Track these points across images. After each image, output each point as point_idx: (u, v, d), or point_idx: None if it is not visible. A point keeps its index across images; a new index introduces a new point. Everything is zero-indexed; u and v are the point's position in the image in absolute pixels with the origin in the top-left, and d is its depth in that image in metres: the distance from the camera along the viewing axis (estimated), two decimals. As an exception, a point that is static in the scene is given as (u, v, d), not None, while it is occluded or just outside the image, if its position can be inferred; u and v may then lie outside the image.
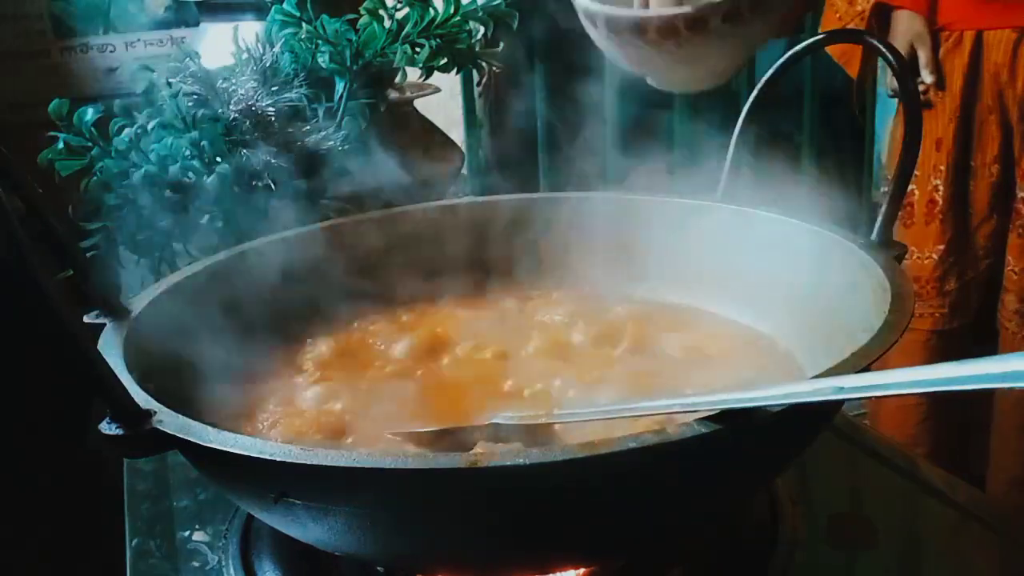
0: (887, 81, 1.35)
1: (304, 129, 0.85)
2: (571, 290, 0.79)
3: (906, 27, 1.22)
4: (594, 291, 0.78)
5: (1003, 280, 1.22)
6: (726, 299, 0.72)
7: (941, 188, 1.23)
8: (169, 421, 0.42)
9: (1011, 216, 1.20)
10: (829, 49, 1.34)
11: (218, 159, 0.84)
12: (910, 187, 1.28)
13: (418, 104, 1.21)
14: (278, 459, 0.39)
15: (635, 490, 0.41)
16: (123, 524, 0.66)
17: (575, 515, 0.42)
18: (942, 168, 1.23)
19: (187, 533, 0.64)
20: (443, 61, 0.91)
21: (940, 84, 1.20)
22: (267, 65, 0.84)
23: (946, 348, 1.26)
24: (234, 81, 0.83)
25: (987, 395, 1.26)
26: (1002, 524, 0.61)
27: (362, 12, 0.89)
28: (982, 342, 1.27)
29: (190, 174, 0.84)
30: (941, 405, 1.28)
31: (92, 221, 0.84)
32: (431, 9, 0.90)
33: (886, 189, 1.32)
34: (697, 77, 0.73)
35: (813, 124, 1.89)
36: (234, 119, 0.83)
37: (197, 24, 1.36)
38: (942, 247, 1.24)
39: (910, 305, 0.51)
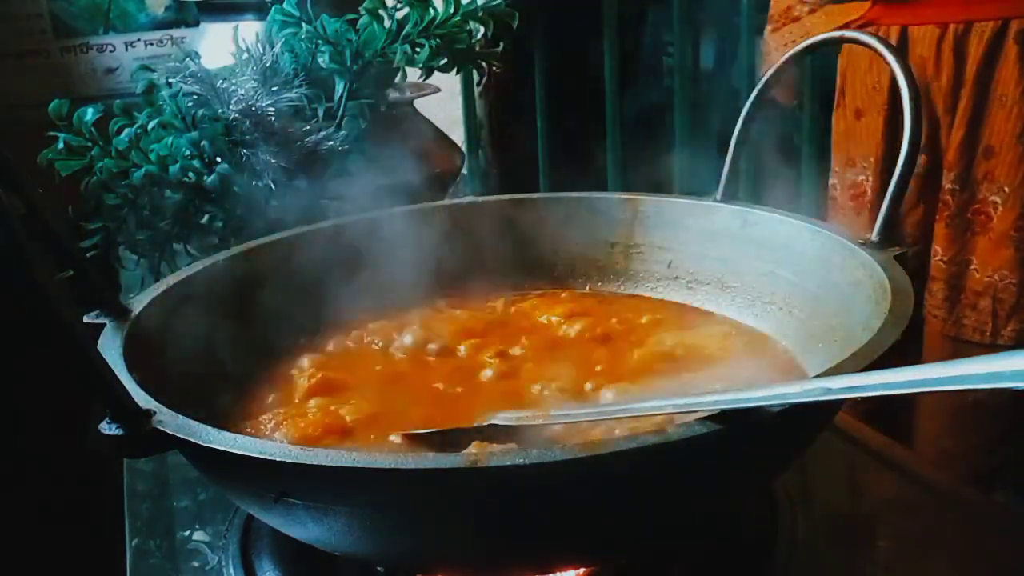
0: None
1: (304, 129, 0.85)
2: (570, 290, 0.79)
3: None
4: (593, 291, 0.79)
5: (930, 270, 1.23)
6: (726, 299, 0.73)
7: (870, 179, 1.25)
8: (169, 421, 0.42)
9: (937, 206, 1.21)
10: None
11: (218, 159, 0.84)
12: (833, 180, 1.30)
13: (418, 104, 1.21)
14: (278, 459, 0.39)
15: (635, 490, 0.41)
16: (123, 524, 0.66)
17: (575, 515, 0.42)
18: (871, 159, 1.24)
19: (187, 533, 0.64)
20: (443, 61, 0.91)
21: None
22: (267, 65, 0.84)
23: None
24: (234, 81, 0.83)
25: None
26: (1002, 523, 0.61)
27: (362, 12, 0.89)
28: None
29: (190, 174, 0.84)
30: None
31: (92, 221, 0.84)
32: (431, 9, 0.90)
33: (834, 181, 1.33)
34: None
35: (813, 125, 1.89)
36: (234, 119, 0.83)
37: (197, 24, 1.36)
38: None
39: (910, 305, 0.50)
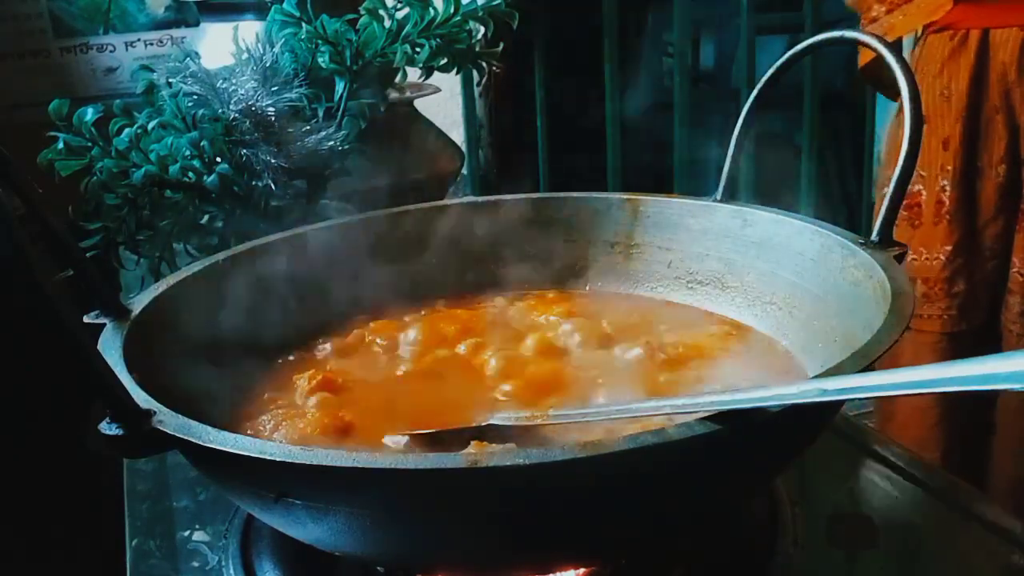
0: None
1: (304, 129, 0.85)
2: (570, 290, 0.79)
3: None
4: (593, 291, 0.79)
5: (1008, 282, 1.22)
6: (726, 299, 0.73)
7: (948, 188, 1.23)
8: (169, 421, 0.42)
9: (1017, 217, 1.19)
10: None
11: (218, 159, 0.84)
12: (918, 187, 1.28)
13: (418, 104, 1.21)
14: (278, 459, 0.39)
15: (634, 490, 0.41)
16: (123, 524, 0.66)
17: (575, 515, 0.42)
18: (949, 168, 1.22)
19: (187, 533, 0.64)
20: (443, 61, 0.91)
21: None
22: (267, 65, 0.84)
23: (955, 351, 1.25)
24: (234, 81, 0.83)
25: (993, 398, 1.26)
26: (1002, 524, 0.61)
27: (362, 12, 0.89)
28: (988, 345, 1.26)
29: (190, 174, 0.84)
30: (954, 408, 1.27)
31: (92, 221, 0.84)
32: (431, 9, 0.90)
33: (888, 189, 1.31)
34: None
35: (813, 124, 1.89)
36: (234, 119, 0.83)
37: (197, 24, 1.36)
38: (949, 248, 1.23)
39: (910, 305, 0.50)
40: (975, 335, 1.26)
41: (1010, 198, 1.19)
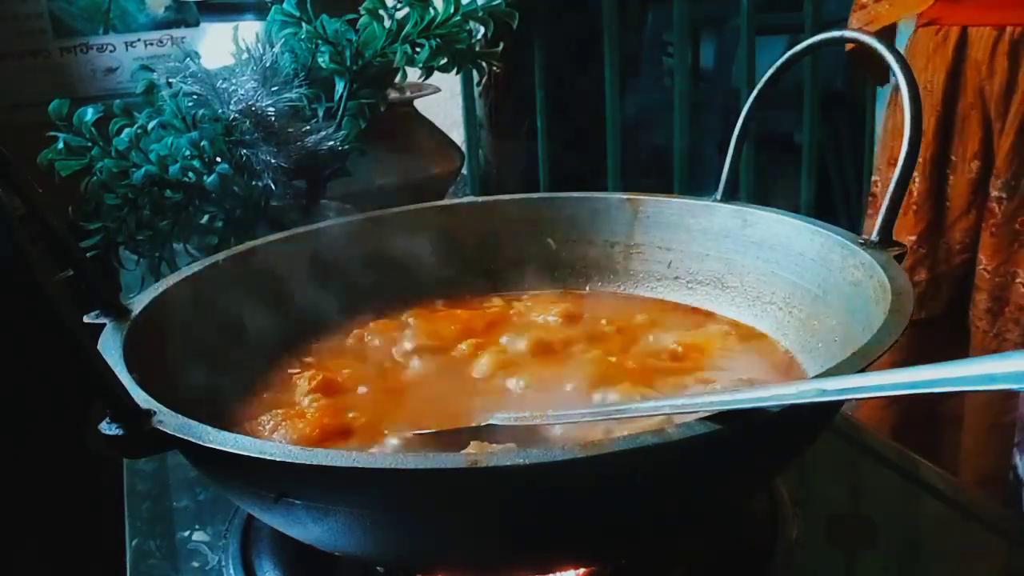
0: None
1: (304, 129, 0.85)
2: (570, 290, 0.79)
3: None
4: (593, 291, 0.79)
5: (975, 278, 1.22)
6: (726, 299, 0.73)
7: (917, 180, 1.23)
8: (169, 421, 0.42)
9: (985, 214, 1.20)
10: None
11: (218, 159, 0.84)
12: (875, 178, 1.29)
13: (418, 104, 1.21)
14: (278, 459, 0.39)
15: (634, 490, 0.41)
16: (123, 524, 0.66)
17: (575, 515, 0.42)
18: (920, 160, 1.23)
19: (187, 533, 0.64)
20: (443, 61, 0.91)
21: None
22: (267, 65, 0.84)
23: (914, 339, 1.25)
24: (234, 81, 0.83)
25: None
26: (1002, 524, 0.61)
27: (362, 12, 0.89)
28: (953, 337, 1.26)
29: (190, 174, 0.84)
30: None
31: (92, 221, 0.84)
32: (431, 9, 0.90)
33: (876, 178, 1.32)
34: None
35: (813, 124, 1.89)
36: (234, 119, 0.83)
37: (197, 24, 1.36)
38: (913, 238, 1.24)
39: (910, 305, 0.50)
40: (936, 326, 1.27)
41: (982, 193, 1.20)
